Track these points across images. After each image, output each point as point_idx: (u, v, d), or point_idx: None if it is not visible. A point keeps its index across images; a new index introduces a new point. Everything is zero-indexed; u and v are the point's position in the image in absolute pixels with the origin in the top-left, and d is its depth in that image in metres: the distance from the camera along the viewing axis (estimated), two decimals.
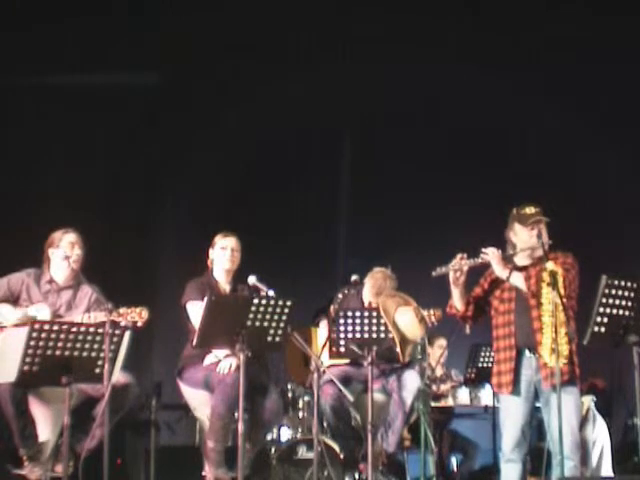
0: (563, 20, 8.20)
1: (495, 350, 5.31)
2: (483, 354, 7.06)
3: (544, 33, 8.27)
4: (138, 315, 5.48)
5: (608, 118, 8.36)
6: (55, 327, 4.80)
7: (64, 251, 5.75)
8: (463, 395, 7.68)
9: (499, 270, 5.19)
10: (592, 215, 8.31)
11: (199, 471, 5.83)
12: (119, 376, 5.27)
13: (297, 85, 8.55)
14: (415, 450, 6.55)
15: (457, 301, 5.35)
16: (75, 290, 5.83)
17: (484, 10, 8.24)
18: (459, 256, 5.24)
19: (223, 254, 5.95)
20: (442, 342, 7.51)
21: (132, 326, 5.41)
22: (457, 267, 5.22)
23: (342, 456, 6.15)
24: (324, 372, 5.78)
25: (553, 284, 4.94)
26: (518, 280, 5.18)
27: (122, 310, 5.44)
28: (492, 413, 6.84)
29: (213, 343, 5.40)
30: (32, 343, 4.73)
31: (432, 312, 5.77)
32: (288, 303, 5.10)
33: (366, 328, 5.61)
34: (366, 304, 6.29)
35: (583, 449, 5.96)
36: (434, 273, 5.26)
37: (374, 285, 6.29)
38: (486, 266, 5.31)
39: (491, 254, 5.20)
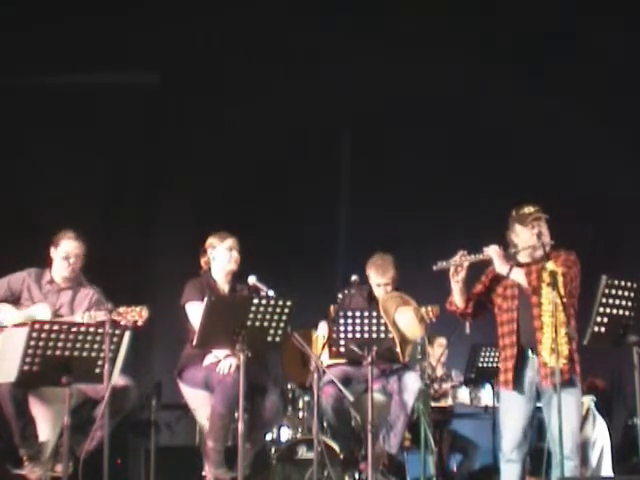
0: (563, 19, 8.21)
1: (501, 347, 5.30)
2: (483, 354, 7.05)
3: (544, 32, 8.27)
4: (138, 314, 5.48)
5: (608, 118, 8.35)
6: (55, 327, 4.79)
7: (64, 252, 5.77)
8: (463, 395, 7.68)
9: (500, 266, 5.19)
10: (592, 215, 8.30)
11: (199, 471, 5.83)
12: (118, 379, 5.27)
13: (297, 85, 8.54)
14: (415, 450, 6.54)
15: (457, 297, 5.35)
16: (75, 291, 5.83)
17: (484, 10, 8.24)
18: (460, 252, 5.25)
19: (229, 255, 5.90)
20: (442, 341, 7.51)
21: (132, 325, 5.41)
22: (458, 263, 5.24)
23: (342, 456, 6.15)
24: (324, 372, 5.78)
25: (553, 284, 4.95)
26: (518, 275, 5.18)
27: (122, 309, 5.44)
28: (492, 413, 6.84)
29: (213, 343, 5.39)
30: (32, 343, 4.73)
31: (430, 309, 5.77)
32: (288, 303, 5.10)
33: (366, 328, 5.61)
34: (380, 291, 6.25)
35: (583, 449, 5.96)
36: (435, 267, 5.27)
37: (377, 269, 6.29)
38: (487, 264, 5.32)
39: (492, 250, 5.21)
